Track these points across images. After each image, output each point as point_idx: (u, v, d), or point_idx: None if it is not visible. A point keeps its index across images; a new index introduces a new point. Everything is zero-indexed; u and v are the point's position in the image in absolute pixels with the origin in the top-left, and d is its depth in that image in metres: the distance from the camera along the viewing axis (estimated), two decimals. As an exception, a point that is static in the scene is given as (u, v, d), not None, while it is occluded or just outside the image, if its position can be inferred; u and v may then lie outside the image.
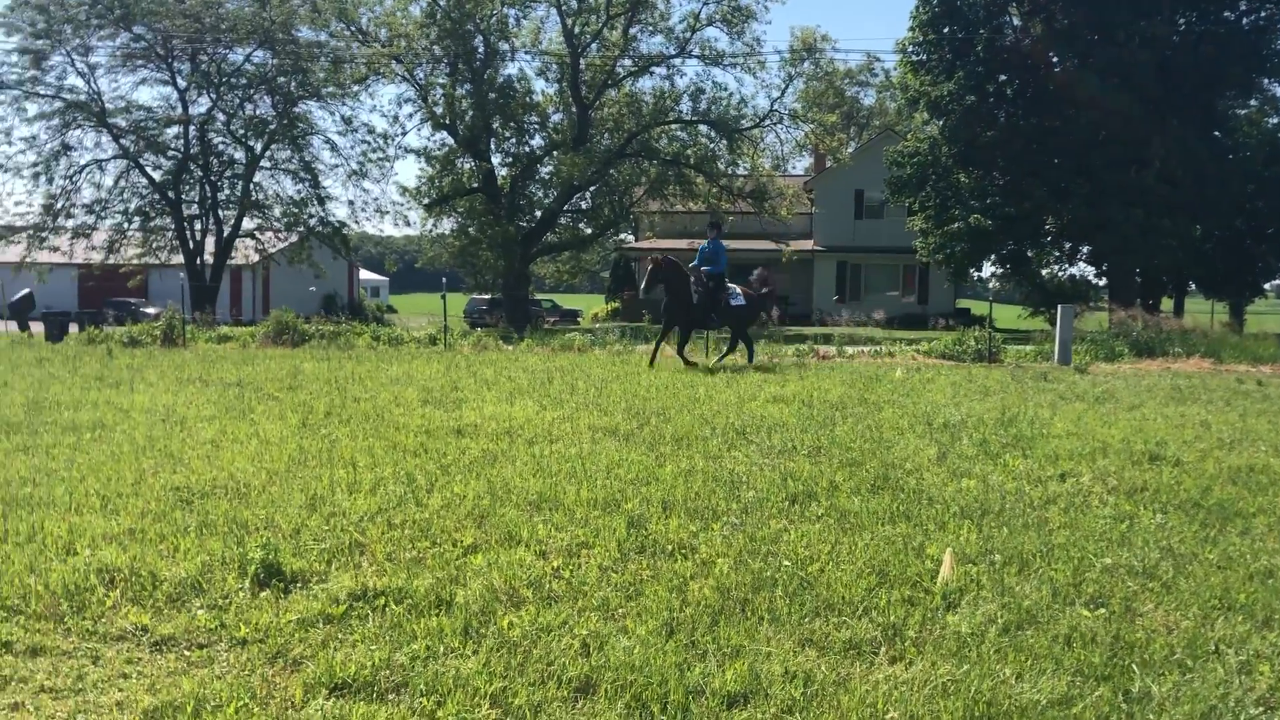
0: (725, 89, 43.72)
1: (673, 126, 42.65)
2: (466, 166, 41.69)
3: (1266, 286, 51.42)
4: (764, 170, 43.24)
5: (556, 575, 5.81)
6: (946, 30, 39.89)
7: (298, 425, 11.05)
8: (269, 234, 46.05)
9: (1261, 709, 4.24)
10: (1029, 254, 42.15)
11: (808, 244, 51.06)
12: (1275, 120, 47.50)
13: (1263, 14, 38.50)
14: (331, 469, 8.56)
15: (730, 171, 43.02)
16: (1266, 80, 39.98)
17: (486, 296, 48.83)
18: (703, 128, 42.40)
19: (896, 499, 7.73)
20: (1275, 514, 7.47)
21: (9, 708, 4.16)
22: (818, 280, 51.80)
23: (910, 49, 41.08)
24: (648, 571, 5.90)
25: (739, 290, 19.28)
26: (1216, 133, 39.91)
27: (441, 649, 4.72)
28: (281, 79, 43.38)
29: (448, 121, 40.15)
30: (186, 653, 4.72)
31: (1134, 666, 4.60)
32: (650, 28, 41.52)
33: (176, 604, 5.31)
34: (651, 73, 42.52)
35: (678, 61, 41.68)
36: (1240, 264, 46.56)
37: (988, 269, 45.06)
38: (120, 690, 4.35)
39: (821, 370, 19.09)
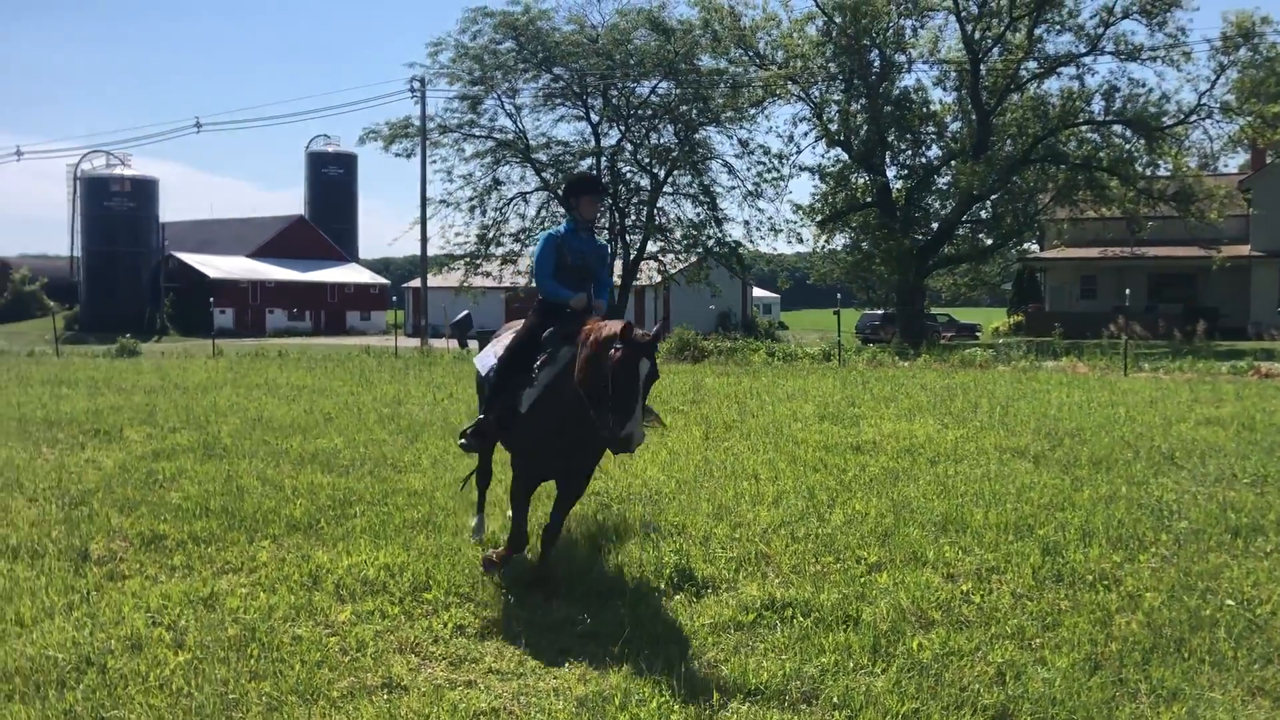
0: (1143, 85, 40.33)
1: (1083, 128, 39.99)
2: (860, 181, 41.52)
3: None
4: (1189, 170, 39.33)
5: (966, 599, 5.64)
6: None
7: (702, 437, 11.52)
8: (670, 255, 48.42)
9: None
10: None
11: (1243, 249, 45.78)
12: None
13: None
14: (735, 480, 8.84)
15: (1149, 173, 39.56)
16: None
17: (879, 312, 48.24)
18: (1117, 128, 39.37)
19: (1365, 538, 6.75)
20: None
21: (465, 684, 4.67)
22: (1256, 289, 46.24)
23: (1373, 23, 35.84)
24: (1066, 601, 5.57)
25: None
26: None
27: (850, 664, 4.73)
28: (684, 107, 45.48)
29: (842, 138, 40.21)
30: (612, 647, 5.07)
31: None
32: (1058, 26, 39.21)
33: (602, 600, 5.71)
34: (1059, 73, 40.13)
35: (1088, 59, 39.06)
36: None
37: None
38: (555, 677, 4.75)
39: (1265, 390, 17.05)
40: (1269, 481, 8.66)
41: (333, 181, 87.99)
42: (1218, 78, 38.10)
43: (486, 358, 6.74)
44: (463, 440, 6.53)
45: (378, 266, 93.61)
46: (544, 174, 46.31)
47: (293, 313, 70.87)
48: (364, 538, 6.95)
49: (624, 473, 9.27)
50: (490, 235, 46.66)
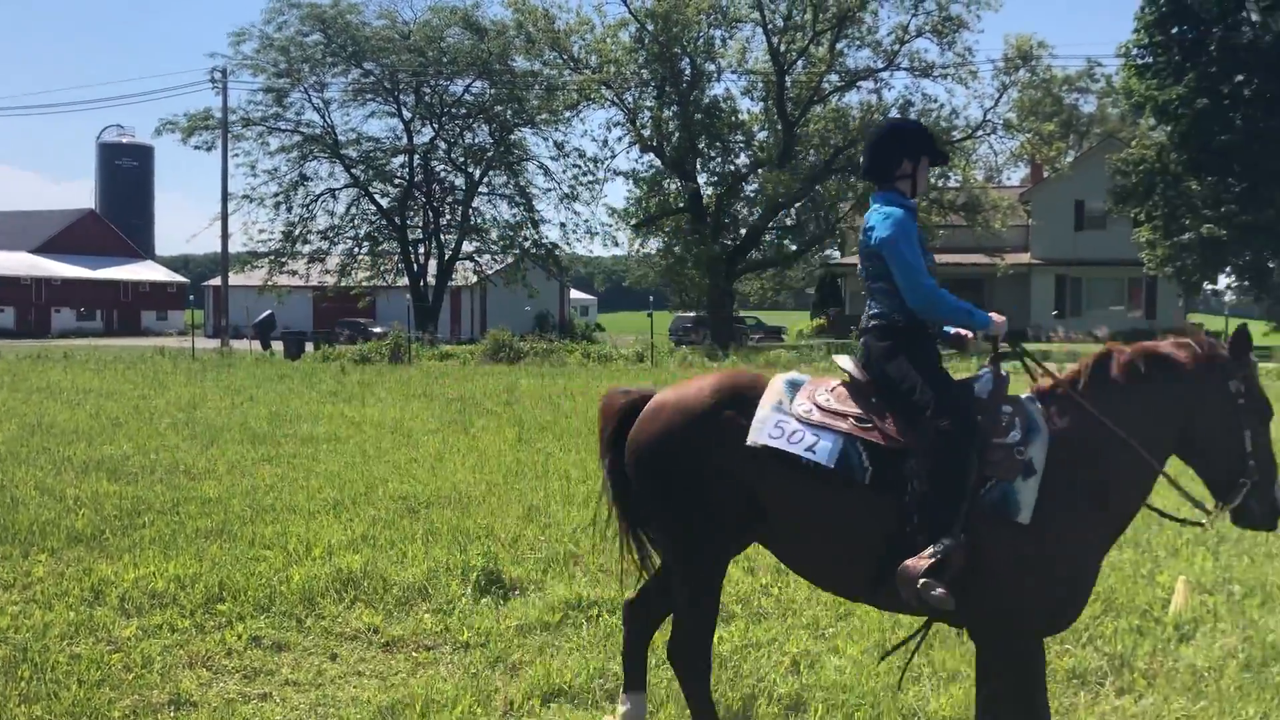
0: (935, 100, 42.67)
1: (880, 141, 41.96)
2: (673, 187, 42.26)
3: None
4: (977, 182, 41.86)
5: (765, 592, 5.83)
6: (1175, 31, 37.63)
7: (514, 439, 11.49)
8: (486, 256, 48.11)
9: None
10: (1270, 265, 39.07)
11: (1024, 257, 49.05)
12: None
13: None
14: (546, 481, 8.87)
15: (941, 184, 41.89)
16: None
17: (691, 314, 49.25)
18: (912, 141, 41.48)
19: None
20: None
21: (260, 698, 4.52)
22: (1035, 295, 49.62)
23: (1135, 52, 38.93)
24: (858, 591, 5.83)
25: None
26: None
27: (653, 660, 4.81)
28: (498, 107, 45.28)
29: (655, 143, 40.84)
30: (414, 654, 5.00)
31: None
32: (857, 42, 41.00)
33: (405, 607, 5.62)
34: (858, 87, 41.97)
35: (885, 75, 41.01)
36: None
37: (1223, 281, 42.10)
38: (355, 687, 4.65)
39: (1039, 389, 18.31)
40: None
41: (127, 174, 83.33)
42: (1000, 96, 40.69)
43: (788, 429, 3.61)
44: (937, 589, 3.30)
45: (176, 264, 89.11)
46: (354, 170, 45.20)
47: (82, 312, 66.59)
48: (153, 548, 6.62)
49: (432, 476, 9.15)
50: (297, 233, 45.19)
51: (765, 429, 3.58)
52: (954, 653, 4.84)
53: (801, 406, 3.63)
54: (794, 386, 3.73)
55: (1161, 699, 4.36)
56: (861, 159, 4.05)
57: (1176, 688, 4.47)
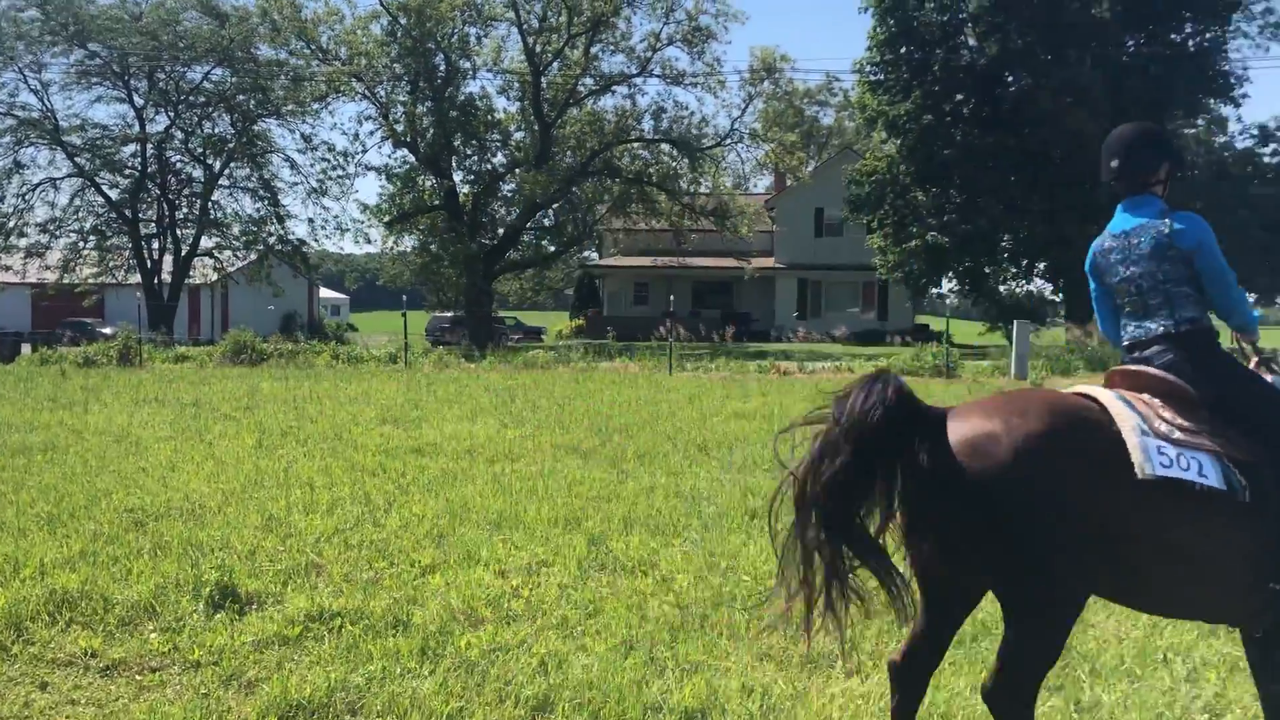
0: (686, 108, 44.21)
1: (635, 145, 42.82)
2: (428, 184, 41.58)
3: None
4: (725, 189, 43.48)
5: (516, 594, 5.79)
6: (903, 50, 40.41)
7: (254, 446, 10.95)
8: (227, 253, 45.70)
9: (1207, 715, 4.30)
10: (986, 271, 42.61)
11: (769, 261, 51.37)
12: (1222, 139, 48.45)
13: (1207, 36, 39.32)
14: (288, 490, 8.49)
15: (692, 190, 43.20)
16: (1212, 100, 40.76)
17: (449, 314, 48.63)
18: (665, 146, 42.58)
19: (855, 514, 7.77)
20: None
21: (-46, 736, 4.09)
22: (779, 297, 52.06)
23: (868, 69, 41.55)
24: (608, 589, 5.90)
25: None
26: (1167, 151, 40.61)
27: (398, 670, 4.68)
28: (240, 97, 43.14)
29: (409, 139, 40.05)
30: (138, 677, 4.65)
31: (1084, 676, 4.66)
32: (611, 47, 41.70)
33: (129, 627, 5.23)
34: (613, 91, 42.70)
35: (639, 81, 41.90)
36: (1192, 280, 47.25)
37: (946, 285, 45.57)
38: (68, 717, 4.28)
39: (783, 386, 19.19)
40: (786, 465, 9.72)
41: None
42: (747, 106, 42.45)
43: (1170, 454, 3.29)
44: None
45: None
46: (77, 159, 41.93)
47: None
48: None
49: (163, 487, 8.58)
50: (12, 225, 41.55)
51: (1153, 457, 3.23)
52: (697, 645, 4.97)
53: (1160, 426, 3.34)
54: (1128, 404, 3.41)
55: (886, 678, 4.62)
56: (1112, 162, 3.77)
57: (899, 666, 4.76)
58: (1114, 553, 3.22)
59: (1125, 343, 3.81)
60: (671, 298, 32.99)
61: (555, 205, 42.31)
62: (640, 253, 51.04)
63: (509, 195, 43.38)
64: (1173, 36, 39.25)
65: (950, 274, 43.20)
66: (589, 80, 41.87)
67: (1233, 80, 39.72)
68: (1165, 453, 3.25)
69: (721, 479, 9.12)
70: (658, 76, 41.63)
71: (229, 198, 45.57)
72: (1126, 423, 3.30)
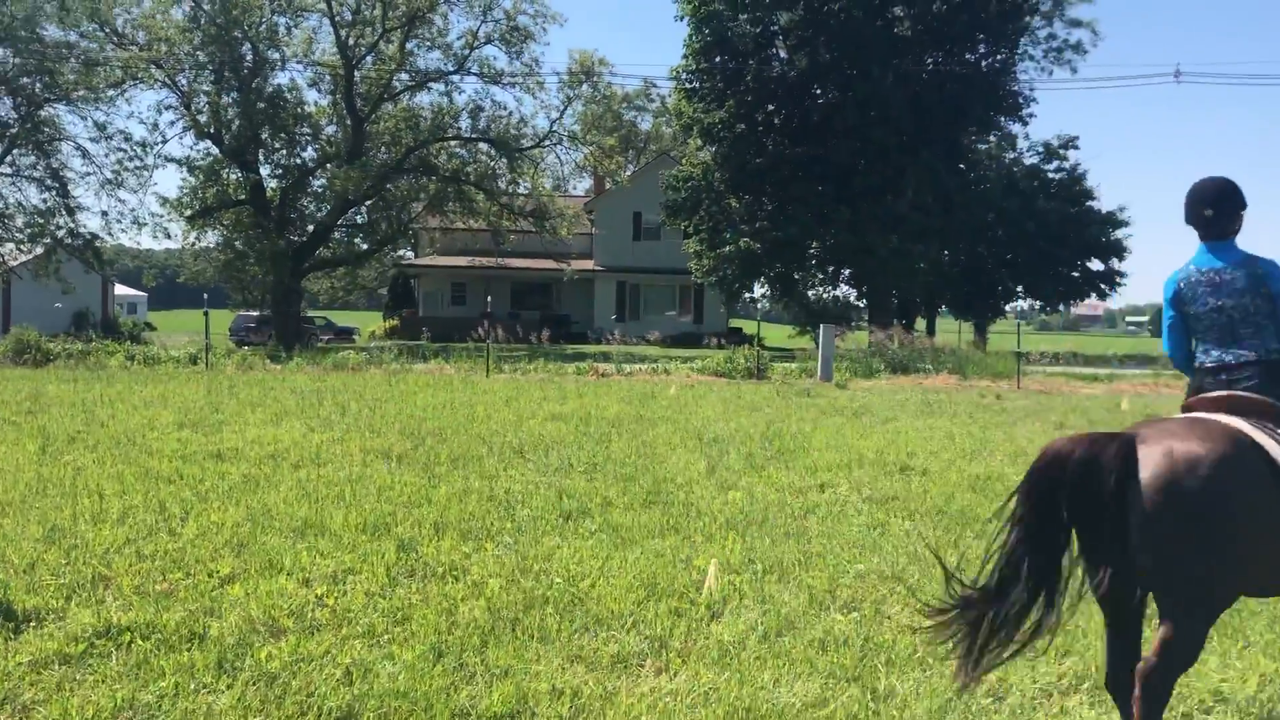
0: (505, 108, 43.83)
1: (452, 143, 42.27)
2: (233, 177, 39.86)
3: (1007, 308, 55.82)
4: (544, 190, 43.47)
5: (320, 603, 5.62)
6: (718, 60, 41.33)
7: (37, 452, 10.24)
8: (9, 245, 42.56)
9: (991, 699, 4.57)
10: (796, 276, 44.07)
11: (588, 264, 51.66)
12: (1011, 155, 51.75)
13: (999, 57, 41.91)
14: (75, 499, 7.98)
15: (511, 190, 42.99)
16: (1003, 118, 43.43)
17: (255, 313, 46.75)
18: (483, 145, 42.21)
19: (667, 513, 7.91)
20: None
21: None
22: (598, 300, 52.40)
23: (684, 76, 42.30)
24: (417, 595, 5.79)
25: None
26: (962, 165, 43.04)
27: (193, 685, 4.47)
28: (25, 79, 40.22)
29: (212, 130, 38.31)
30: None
31: (881, 666, 4.88)
32: (428, 43, 41.05)
33: (-115, 652, 4.80)
34: (429, 88, 42.06)
35: (456, 78, 41.38)
36: (983, 287, 50.47)
37: (758, 290, 46.89)
38: None
39: (600, 388, 19.31)
40: (598, 469, 9.79)
41: None
42: (565, 108, 42.55)
43: None
44: None
45: None
46: None
47: None
48: None
49: (-70, 497, 7.92)
50: None
51: None
52: (508, 649, 4.94)
53: None
54: (1259, 428, 3.83)
55: (693, 674, 4.72)
56: (1206, 211, 4.23)
57: (706, 663, 4.86)
58: (1269, 554, 3.68)
59: (1209, 365, 4.26)
60: (489, 298, 32.72)
61: (369, 202, 41.34)
62: (458, 252, 50.41)
63: (320, 191, 42.09)
64: (968, 56, 41.59)
65: (762, 279, 44.48)
66: (405, 76, 41.14)
67: (1021, 100, 42.48)
68: None
69: (537, 482, 9.10)
70: (475, 75, 41.26)
71: (12, 187, 42.39)
72: (1269, 443, 3.75)
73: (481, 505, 8.01)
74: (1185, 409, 4.21)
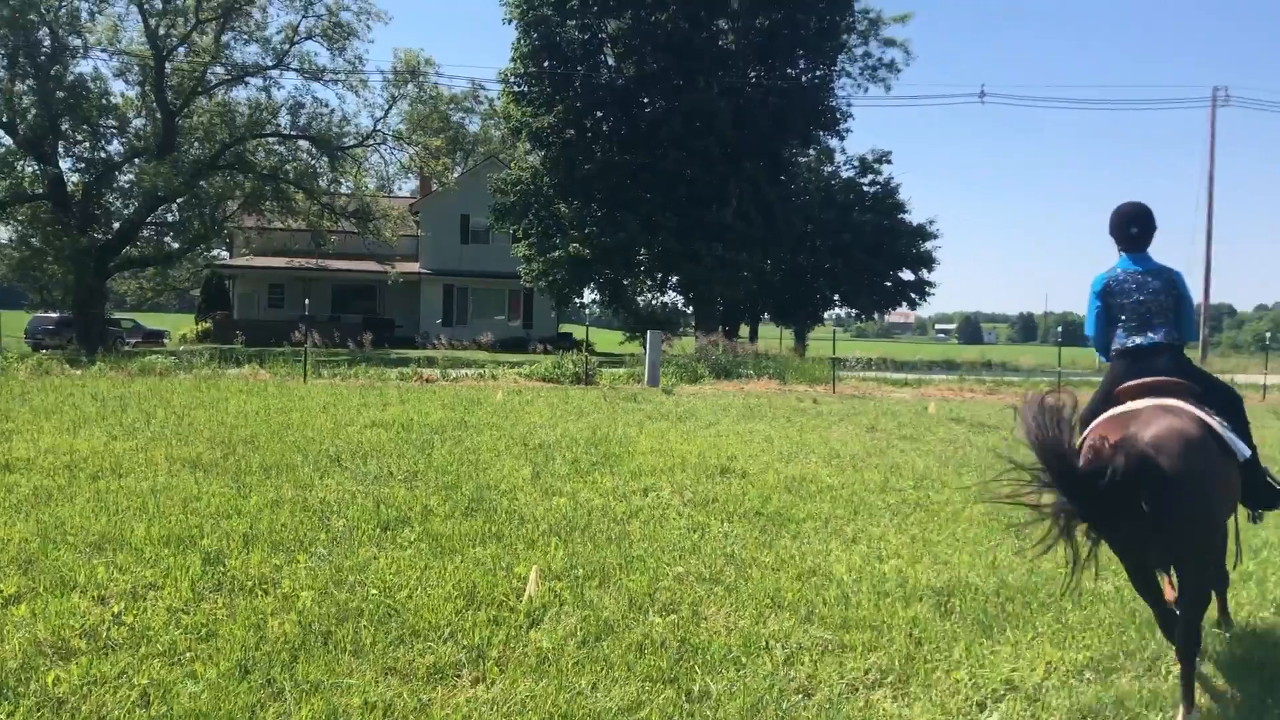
0: (327, 105, 42.57)
1: (270, 140, 40.76)
2: (29, 170, 37.37)
3: (825, 316, 57.92)
4: (368, 190, 42.44)
5: (117, 621, 5.31)
6: (547, 64, 41.27)
7: None
8: None
9: (801, 695, 4.71)
10: (625, 282, 44.44)
11: (414, 267, 50.75)
12: (829, 168, 53.69)
13: (818, 73, 43.37)
14: None
15: (332, 190, 41.78)
16: (822, 132, 44.95)
17: (54, 315, 43.94)
18: (303, 143, 40.87)
19: (490, 520, 7.84)
20: (820, 519, 8.37)
21: None
22: (424, 303, 51.53)
23: (513, 80, 42.04)
24: (223, 610, 5.55)
25: None
26: (783, 177, 44.31)
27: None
28: None
29: (5, 119, 35.78)
30: None
31: (697, 668, 4.95)
32: (245, 36, 39.47)
33: None
34: (246, 83, 40.39)
35: (275, 73, 39.90)
36: (803, 295, 52.24)
37: (588, 295, 47.10)
38: None
39: (424, 394, 18.99)
40: (418, 477, 9.62)
41: None
42: (390, 108, 41.65)
43: (1230, 437, 4.83)
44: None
45: None
46: None
47: None
48: None
49: None
50: None
51: (1238, 445, 4.78)
52: (319, 663, 4.79)
53: (1215, 418, 4.74)
54: (1196, 406, 4.78)
55: (510, 683, 4.68)
56: (1132, 229, 5.32)
57: (524, 670, 4.83)
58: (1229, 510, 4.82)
59: (1129, 346, 5.26)
60: (308, 301, 31.77)
61: (180, 200, 39.41)
62: (275, 253, 48.68)
63: (126, 187, 39.88)
64: (790, 71, 42.85)
65: (592, 284, 44.69)
66: (220, 69, 39.45)
67: (839, 115, 44.06)
68: (1230, 438, 4.73)
69: (354, 491, 8.87)
70: (295, 70, 39.90)
71: None
72: (1213, 421, 4.69)
73: (295, 516, 7.75)
74: (1116, 396, 5.07)
